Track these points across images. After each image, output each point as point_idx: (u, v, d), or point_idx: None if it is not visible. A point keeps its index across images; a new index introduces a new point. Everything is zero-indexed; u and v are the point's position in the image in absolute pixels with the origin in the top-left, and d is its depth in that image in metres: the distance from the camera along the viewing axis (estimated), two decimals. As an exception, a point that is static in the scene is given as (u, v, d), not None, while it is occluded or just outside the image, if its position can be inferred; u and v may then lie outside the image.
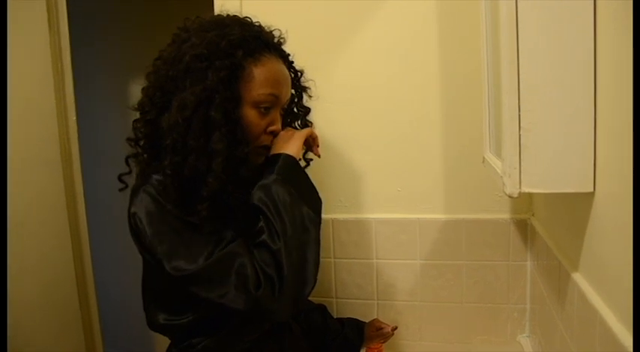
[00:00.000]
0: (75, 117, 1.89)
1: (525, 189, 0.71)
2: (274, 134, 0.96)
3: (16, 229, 1.55)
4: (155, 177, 0.88)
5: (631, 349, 0.54)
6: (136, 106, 0.94)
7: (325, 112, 1.35)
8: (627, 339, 0.56)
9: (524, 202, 1.31)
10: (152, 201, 0.86)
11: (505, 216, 1.32)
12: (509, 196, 0.72)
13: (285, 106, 1.01)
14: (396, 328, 1.29)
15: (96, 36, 2.61)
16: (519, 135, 0.70)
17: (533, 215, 1.30)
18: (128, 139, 0.95)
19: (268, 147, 0.97)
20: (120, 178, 0.96)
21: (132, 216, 0.87)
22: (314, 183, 1.01)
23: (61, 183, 1.85)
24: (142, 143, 0.94)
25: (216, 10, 1.28)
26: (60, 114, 1.84)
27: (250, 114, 0.91)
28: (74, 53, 1.89)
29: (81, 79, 2.06)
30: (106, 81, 2.69)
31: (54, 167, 1.83)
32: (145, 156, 0.94)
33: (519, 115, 0.69)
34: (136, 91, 2.64)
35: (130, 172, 0.96)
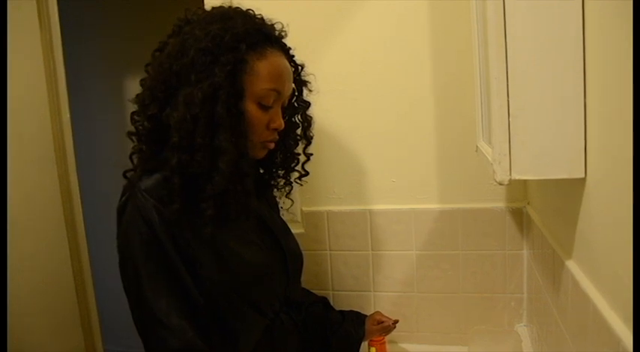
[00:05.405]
0: (69, 114, 1.88)
1: (515, 176, 0.70)
2: (276, 130, 0.96)
3: (10, 226, 1.55)
4: (144, 184, 0.87)
5: (623, 336, 0.53)
6: (135, 99, 0.93)
7: (319, 104, 1.33)
8: (619, 326, 0.56)
9: (519, 190, 1.30)
10: (142, 227, 0.86)
11: (500, 204, 1.31)
12: (500, 183, 0.71)
13: (287, 102, 1.01)
14: (397, 321, 1.28)
15: (89, 33, 2.60)
16: (508, 122, 0.69)
17: (528, 203, 1.29)
18: (129, 133, 0.94)
19: (268, 143, 0.96)
20: (125, 175, 0.95)
21: (119, 237, 0.90)
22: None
23: (55, 179, 1.85)
24: (143, 138, 0.93)
25: (207, 8, 1.26)
26: (53, 112, 1.84)
27: (252, 108, 0.90)
28: (67, 51, 1.88)
29: (75, 76, 2.05)
30: (100, 78, 2.68)
31: (48, 164, 1.83)
32: (146, 149, 0.92)
33: (508, 102, 0.68)
34: (130, 88, 2.65)
35: (134, 169, 0.95)
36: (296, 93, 1.06)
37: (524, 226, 1.30)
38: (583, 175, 0.68)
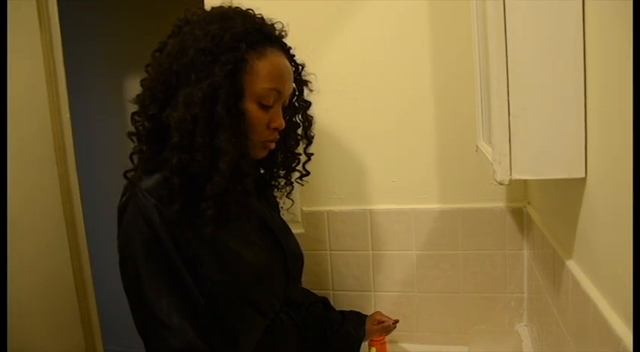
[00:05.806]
0: (69, 114, 1.88)
1: (516, 176, 0.70)
2: (277, 130, 0.96)
3: (10, 227, 1.55)
4: (144, 184, 0.87)
5: (623, 336, 0.53)
6: (136, 99, 0.93)
7: (319, 104, 1.33)
8: (620, 326, 0.56)
9: (519, 190, 1.30)
10: (142, 229, 0.86)
11: (501, 204, 1.31)
12: (500, 183, 0.71)
13: (287, 102, 1.01)
14: (397, 321, 1.28)
15: (89, 33, 2.60)
16: (509, 122, 0.69)
17: (528, 203, 1.29)
18: (129, 134, 0.94)
19: (269, 143, 0.96)
20: (125, 175, 0.95)
21: (120, 237, 0.89)
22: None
23: (55, 179, 1.85)
24: (143, 138, 0.93)
25: (207, 8, 1.26)
26: (53, 112, 1.84)
27: (252, 108, 0.90)
28: (67, 51, 1.88)
29: (75, 76, 2.05)
30: (100, 78, 2.69)
31: (48, 164, 1.83)
32: (147, 150, 0.92)
33: (508, 102, 0.68)
34: (130, 88, 2.65)
35: (135, 169, 0.95)
36: (296, 93, 1.06)
37: (524, 226, 1.30)
38: (583, 175, 0.68)
